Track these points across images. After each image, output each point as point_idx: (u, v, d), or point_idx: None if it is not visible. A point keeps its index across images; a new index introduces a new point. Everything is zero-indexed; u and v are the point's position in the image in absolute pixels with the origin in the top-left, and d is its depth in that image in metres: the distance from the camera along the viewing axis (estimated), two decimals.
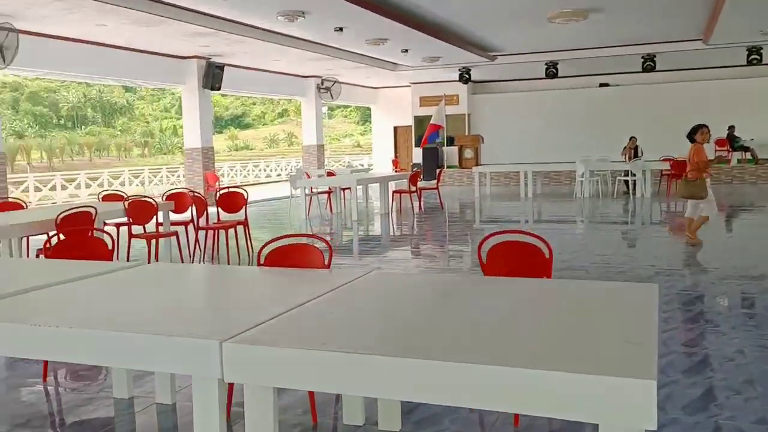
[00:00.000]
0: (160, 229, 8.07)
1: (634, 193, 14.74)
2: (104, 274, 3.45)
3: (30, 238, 7.37)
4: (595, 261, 7.48)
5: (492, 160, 21.06)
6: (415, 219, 12.19)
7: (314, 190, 13.25)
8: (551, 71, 18.08)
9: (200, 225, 8.19)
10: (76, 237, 4.63)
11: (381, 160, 24.67)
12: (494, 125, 21.90)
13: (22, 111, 64.09)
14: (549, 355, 1.98)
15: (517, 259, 3.74)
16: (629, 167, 15.09)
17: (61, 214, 6.34)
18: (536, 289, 2.97)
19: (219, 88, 15.63)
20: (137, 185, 23.55)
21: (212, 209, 8.66)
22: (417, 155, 22.27)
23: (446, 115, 20.73)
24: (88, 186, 21.29)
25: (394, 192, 12.75)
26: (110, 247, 4.54)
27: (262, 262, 3.74)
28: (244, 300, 3.01)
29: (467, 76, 18.94)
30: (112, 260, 4.50)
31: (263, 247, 3.86)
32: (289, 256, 3.81)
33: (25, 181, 20.32)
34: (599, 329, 2.26)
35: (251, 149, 63.99)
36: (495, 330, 2.31)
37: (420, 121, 22.19)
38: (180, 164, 39.02)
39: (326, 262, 3.69)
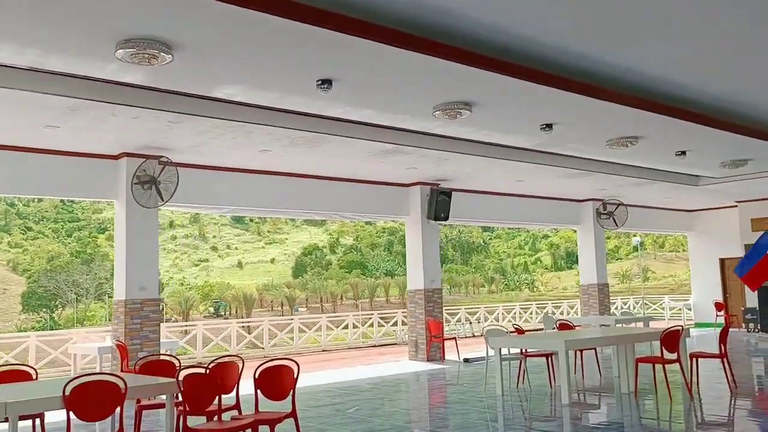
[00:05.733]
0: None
1: None
2: None
3: None
4: None
5: None
6: (685, 406, 7.56)
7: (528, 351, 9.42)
8: None
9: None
10: None
11: (705, 302, 18.93)
12: None
13: (395, 252, 70.04)
14: None
15: None
16: None
17: None
18: None
19: (446, 218, 13.06)
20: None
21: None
22: (751, 297, 16.34)
23: None
24: (381, 326, 19.45)
25: (638, 360, 8.29)
26: None
27: None
28: None
29: None
30: None
31: None
32: None
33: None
34: None
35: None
36: None
37: None
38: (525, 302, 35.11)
39: None
